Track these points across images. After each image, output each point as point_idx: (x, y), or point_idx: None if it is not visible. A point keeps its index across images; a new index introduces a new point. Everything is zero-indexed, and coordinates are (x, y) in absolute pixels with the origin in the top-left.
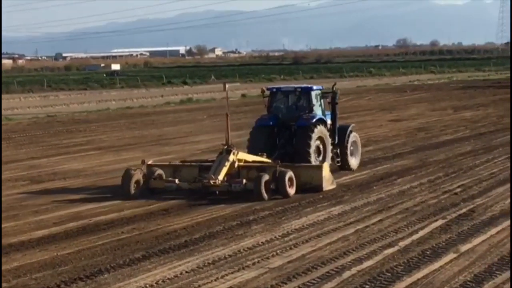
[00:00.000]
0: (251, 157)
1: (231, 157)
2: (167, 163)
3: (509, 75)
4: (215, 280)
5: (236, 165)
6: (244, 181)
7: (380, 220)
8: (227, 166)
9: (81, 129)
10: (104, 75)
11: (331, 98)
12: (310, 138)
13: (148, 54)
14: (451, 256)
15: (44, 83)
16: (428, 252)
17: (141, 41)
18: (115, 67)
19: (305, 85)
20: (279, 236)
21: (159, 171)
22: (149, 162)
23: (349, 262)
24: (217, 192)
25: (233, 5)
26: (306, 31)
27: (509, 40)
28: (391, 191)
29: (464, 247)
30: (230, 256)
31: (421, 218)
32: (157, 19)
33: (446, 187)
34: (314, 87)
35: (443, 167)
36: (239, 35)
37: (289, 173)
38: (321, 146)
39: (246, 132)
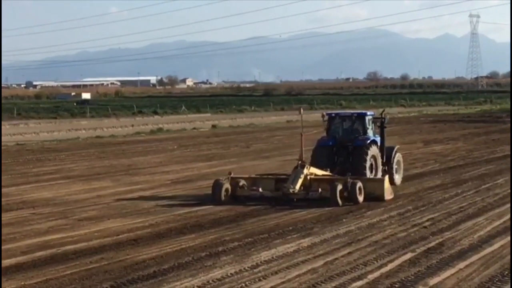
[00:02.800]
0: (319, 172)
1: (305, 171)
2: (247, 176)
3: (480, 109)
4: None
5: (308, 177)
6: (320, 190)
7: (349, 253)
8: (302, 178)
9: (51, 158)
10: (75, 104)
11: (380, 123)
12: (366, 156)
13: (119, 83)
14: None
15: (14, 111)
16: (396, 286)
17: (112, 71)
18: (86, 96)
19: (359, 111)
20: (248, 267)
21: (243, 182)
22: (232, 175)
23: None
24: (295, 199)
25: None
26: (277, 63)
27: (478, 75)
28: (361, 223)
29: (432, 281)
30: (199, 287)
31: (390, 251)
32: (129, 49)
33: (415, 220)
34: (368, 113)
35: (413, 200)
36: (210, 65)
37: (359, 184)
38: (373, 164)
39: (217, 162)
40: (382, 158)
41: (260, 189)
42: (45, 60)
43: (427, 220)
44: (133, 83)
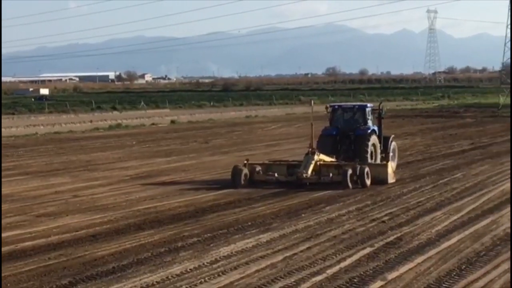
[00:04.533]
0: (327, 158)
1: (315, 157)
2: (262, 162)
3: (437, 105)
4: None
5: (318, 163)
6: (331, 174)
7: (309, 248)
8: (313, 164)
9: (8, 154)
10: (33, 99)
11: (378, 114)
12: (367, 144)
13: (77, 79)
14: (378, 284)
15: None
16: (355, 280)
17: (71, 66)
18: (44, 91)
19: (360, 103)
20: (207, 263)
21: (259, 167)
22: (250, 162)
23: None
24: (308, 183)
25: (164, 31)
26: (236, 58)
27: (436, 70)
28: (320, 218)
29: (391, 275)
30: (158, 282)
31: (349, 246)
32: (87, 44)
33: (374, 215)
34: (368, 105)
35: (371, 195)
36: (169, 61)
37: (367, 169)
38: (373, 151)
39: (175, 158)
40: (380, 146)
41: (276, 174)
42: (3, 55)
43: (386, 215)
44: (92, 78)
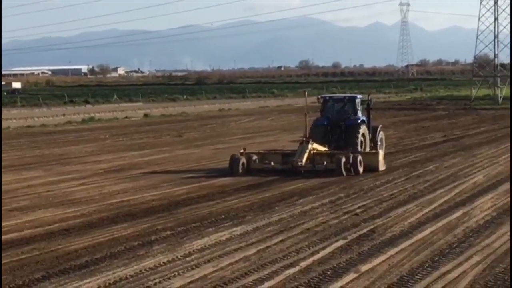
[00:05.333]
0: (320, 147)
1: (309, 146)
2: (257, 151)
3: (410, 97)
4: None
5: (311, 152)
6: (325, 162)
7: (282, 240)
8: (307, 152)
9: None
10: (5, 93)
11: (367, 105)
12: (357, 134)
13: (50, 72)
14: (351, 276)
15: None
16: (329, 272)
17: (43, 60)
18: (16, 85)
19: (350, 94)
20: (181, 256)
21: (255, 156)
22: (246, 151)
23: (251, 282)
24: (302, 171)
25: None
26: (209, 51)
27: (408, 63)
28: (293, 211)
29: (364, 267)
30: (131, 276)
31: (322, 238)
32: (60, 38)
33: (347, 208)
34: (358, 96)
35: (344, 188)
36: (142, 54)
37: (360, 157)
38: (363, 140)
39: (149, 151)
40: (369, 135)
41: (272, 163)
42: None
43: (359, 207)
44: (64, 72)
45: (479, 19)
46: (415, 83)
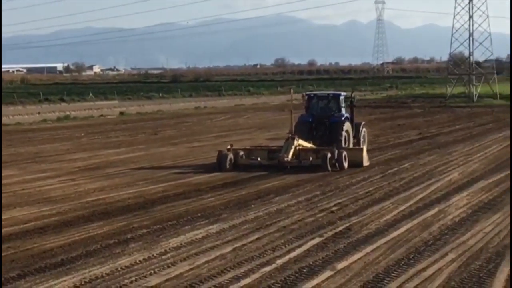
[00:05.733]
0: (305, 143)
1: (295, 142)
2: (244, 148)
3: (385, 95)
4: None
5: (297, 148)
6: (311, 158)
7: (258, 238)
8: (293, 149)
9: None
10: None
11: (350, 102)
12: (341, 130)
13: (25, 70)
14: (327, 273)
15: None
16: (305, 270)
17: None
18: None
19: (335, 92)
20: (156, 254)
21: (242, 152)
22: (233, 147)
23: (227, 280)
24: (289, 167)
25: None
26: (185, 49)
27: (384, 61)
28: (269, 209)
29: (340, 265)
30: (107, 274)
31: (298, 236)
32: (35, 35)
33: (323, 205)
34: (342, 93)
35: (320, 186)
36: (117, 52)
37: (345, 153)
38: (347, 137)
39: (124, 149)
40: (352, 132)
41: (259, 159)
42: None
43: (335, 205)
44: (40, 70)
45: (454, 17)
46: (391, 81)
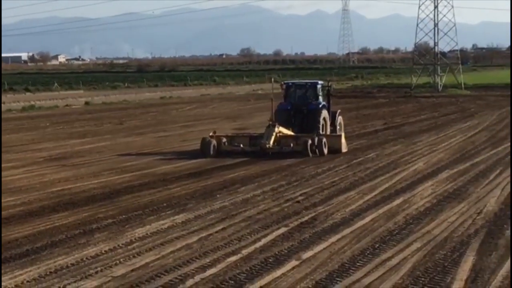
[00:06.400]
0: (286, 130)
1: (276, 129)
2: (226, 134)
3: (351, 85)
4: None
5: (278, 135)
6: (292, 144)
7: (224, 228)
8: (274, 135)
9: None
10: None
11: (327, 91)
12: (319, 118)
13: None
14: (293, 263)
15: None
16: (270, 260)
17: None
18: None
19: (312, 80)
20: (122, 244)
21: (224, 139)
22: (216, 134)
23: (193, 270)
24: (270, 153)
25: (78, 12)
26: (150, 39)
27: (349, 51)
28: (235, 199)
29: (306, 255)
30: (72, 265)
31: (264, 226)
32: None
33: (288, 195)
34: (319, 82)
35: (286, 175)
36: (83, 42)
37: (324, 139)
38: (324, 124)
39: (90, 139)
40: (329, 119)
41: (241, 145)
42: None
43: (300, 195)
44: (4, 59)
45: (419, 7)
46: (356, 71)
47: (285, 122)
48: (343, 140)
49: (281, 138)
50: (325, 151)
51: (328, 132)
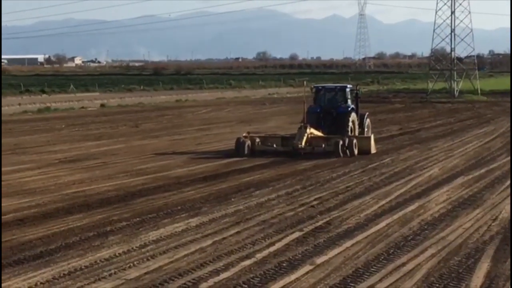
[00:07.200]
0: (316, 132)
1: (308, 130)
2: (259, 135)
3: (367, 90)
4: None
5: (309, 136)
6: (323, 145)
7: (238, 232)
8: (306, 136)
9: None
10: None
11: (355, 94)
12: (348, 121)
13: (5, 61)
14: (307, 268)
15: None
16: (284, 264)
17: None
18: None
19: (341, 84)
20: (136, 247)
21: (258, 139)
22: (250, 134)
23: (206, 273)
24: (302, 153)
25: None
26: (166, 42)
27: (366, 56)
28: (249, 203)
29: (319, 259)
30: (86, 267)
31: (278, 230)
32: (16, 26)
33: (303, 200)
34: (348, 86)
35: (301, 180)
36: (99, 44)
37: (355, 140)
38: (352, 126)
39: (105, 142)
40: (357, 122)
41: (274, 145)
42: None
43: (315, 200)
44: (21, 61)
45: (436, 12)
46: (372, 75)
47: (315, 124)
48: (372, 141)
49: (312, 139)
50: (355, 151)
51: (357, 134)
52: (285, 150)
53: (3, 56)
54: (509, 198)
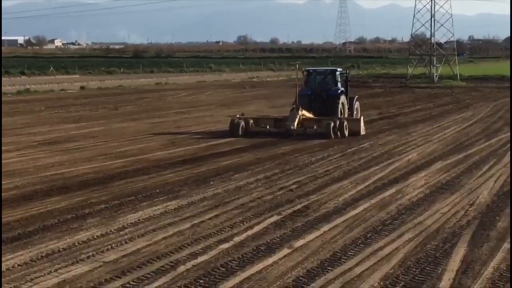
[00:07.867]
0: (307, 114)
1: (300, 112)
2: (252, 116)
3: None
4: (48, 274)
5: (301, 117)
6: (315, 127)
7: (216, 215)
8: (298, 118)
9: None
10: None
11: (345, 77)
12: (337, 103)
13: None
14: (285, 251)
15: None
16: (262, 248)
17: None
18: None
19: (332, 67)
20: (114, 230)
21: (251, 121)
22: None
23: (184, 256)
24: (294, 134)
25: None
26: (147, 24)
27: (346, 40)
28: (228, 186)
29: (297, 243)
30: (64, 249)
31: (256, 213)
32: None
33: (282, 184)
34: (338, 69)
35: (280, 164)
36: (79, 26)
37: (345, 122)
38: (342, 109)
39: (84, 124)
40: (347, 104)
41: (267, 126)
42: None
43: (294, 183)
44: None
45: None
46: (352, 60)
47: (306, 106)
48: (362, 123)
49: (304, 121)
50: (346, 133)
51: (346, 116)
52: (278, 131)
53: None
54: (486, 183)
